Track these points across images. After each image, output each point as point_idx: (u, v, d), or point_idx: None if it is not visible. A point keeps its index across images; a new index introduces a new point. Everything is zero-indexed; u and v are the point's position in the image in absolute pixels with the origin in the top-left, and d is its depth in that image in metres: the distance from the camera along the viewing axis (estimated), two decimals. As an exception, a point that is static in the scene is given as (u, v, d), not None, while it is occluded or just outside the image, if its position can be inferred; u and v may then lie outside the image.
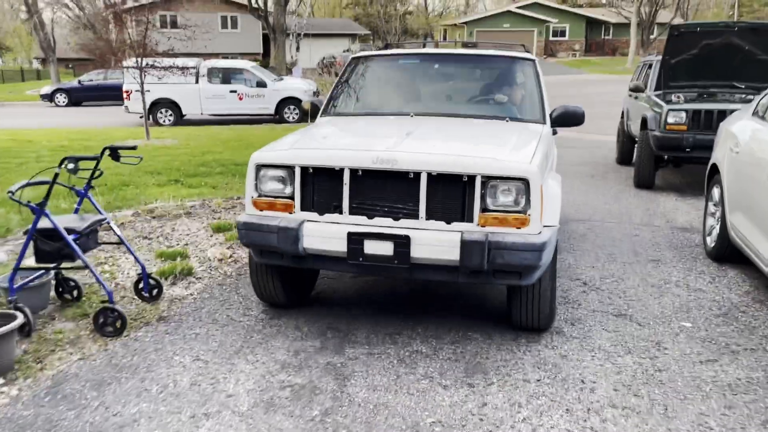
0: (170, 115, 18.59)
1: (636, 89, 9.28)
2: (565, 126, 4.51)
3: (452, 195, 3.29)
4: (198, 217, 6.65)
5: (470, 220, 3.27)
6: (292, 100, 18.78)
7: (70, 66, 41.96)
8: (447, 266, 3.30)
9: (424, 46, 6.50)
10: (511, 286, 3.56)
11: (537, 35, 52.36)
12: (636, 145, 8.64)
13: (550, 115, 4.52)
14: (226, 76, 18.82)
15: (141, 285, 4.21)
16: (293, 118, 18.76)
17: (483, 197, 3.26)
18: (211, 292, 4.50)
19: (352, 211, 3.37)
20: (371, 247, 3.28)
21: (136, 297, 4.32)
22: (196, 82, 18.47)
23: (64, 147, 12.39)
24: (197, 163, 10.19)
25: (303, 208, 3.44)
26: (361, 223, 3.35)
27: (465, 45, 6.88)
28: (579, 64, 44.83)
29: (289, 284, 3.97)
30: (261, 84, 18.68)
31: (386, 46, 5.53)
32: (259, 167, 3.54)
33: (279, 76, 22.42)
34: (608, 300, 4.39)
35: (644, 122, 8.49)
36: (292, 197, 3.46)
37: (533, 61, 4.91)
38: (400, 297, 4.46)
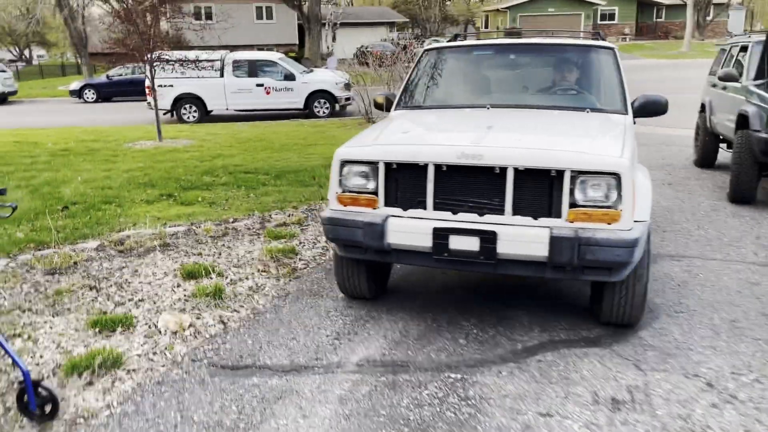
0: (194, 111, 17.40)
1: (728, 77, 7.49)
2: (647, 116, 4.33)
3: (539, 190, 3.23)
4: (175, 251, 5.25)
5: (558, 215, 3.22)
6: (322, 93, 17.38)
7: (112, 61, 41.34)
8: (534, 262, 3.25)
9: (501, 34, 6.33)
10: (597, 282, 3.51)
11: (584, 19, 49.66)
12: (732, 149, 6.86)
13: (632, 104, 4.32)
14: (253, 68, 17.51)
15: (26, 398, 2.78)
16: (323, 112, 17.36)
17: (572, 192, 3.18)
18: (139, 403, 2.98)
19: (437, 207, 3.37)
20: (457, 243, 3.28)
21: (21, 413, 2.86)
22: (221, 75, 17.23)
23: (67, 150, 11.24)
24: (202, 171, 8.85)
25: (387, 204, 3.46)
26: (446, 219, 3.34)
27: (538, 34, 6.45)
28: (630, 49, 42.09)
29: (373, 277, 4.01)
30: (289, 77, 17.32)
31: (455, 38, 5.40)
32: (344, 163, 3.54)
33: (311, 67, 21.07)
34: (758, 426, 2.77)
35: (742, 120, 6.74)
36: (375, 192, 3.47)
37: (612, 49, 4.68)
38: (472, 288, 4.41)
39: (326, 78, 18.06)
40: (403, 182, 3.42)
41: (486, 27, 57.67)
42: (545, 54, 4.92)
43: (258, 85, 17.30)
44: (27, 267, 4.87)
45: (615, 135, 3.63)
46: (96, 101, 25.61)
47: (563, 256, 3.11)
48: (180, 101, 17.24)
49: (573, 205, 3.18)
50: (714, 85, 8.63)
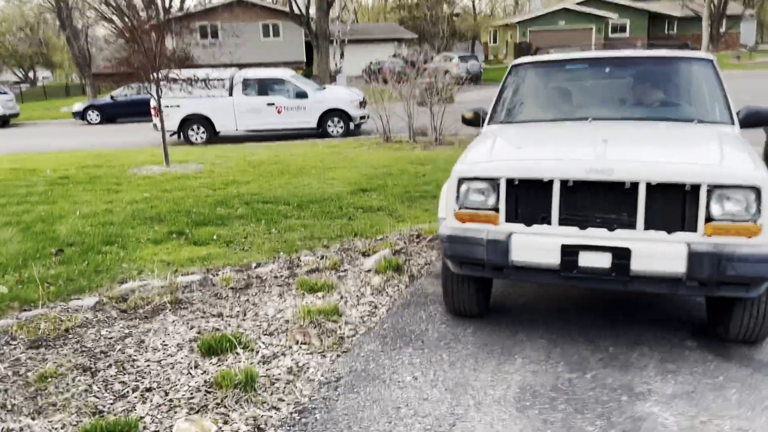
0: (202, 132, 16.55)
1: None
2: (752, 127, 4.25)
3: (672, 204, 3.17)
4: (189, 310, 4.29)
5: (693, 229, 3.13)
6: (336, 112, 16.51)
7: (116, 81, 40.65)
8: (668, 278, 3.17)
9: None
10: (721, 297, 3.37)
11: (595, 32, 48.89)
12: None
13: (737, 114, 4.22)
14: (263, 87, 16.68)
15: None
16: (338, 131, 16.48)
17: (708, 206, 3.10)
18: None
19: (562, 222, 3.31)
20: (587, 260, 3.22)
21: None
22: (230, 94, 16.39)
23: (66, 178, 10.33)
24: (215, 201, 7.91)
25: (508, 220, 3.41)
26: (573, 234, 3.28)
27: (628, 46, 5.80)
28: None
29: (483, 294, 3.96)
30: (301, 95, 16.46)
31: (536, 52, 5.32)
32: (462, 180, 3.51)
33: (322, 84, 20.25)
34: None
35: None
36: (496, 209, 3.43)
37: (711, 61, 4.58)
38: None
39: (340, 96, 17.21)
40: (525, 198, 3.37)
41: (494, 42, 56.98)
42: (641, 66, 4.80)
43: (269, 104, 16.47)
44: (7, 337, 3.91)
45: (738, 147, 3.57)
46: (100, 123, 24.82)
47: (703, 272, 3.05)
48: (187, 122, 16.41)
49: (708, 219, 3.12)
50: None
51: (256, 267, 5.24)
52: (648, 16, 50.79)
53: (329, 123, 16.55)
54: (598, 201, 3.24)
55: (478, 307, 3.96)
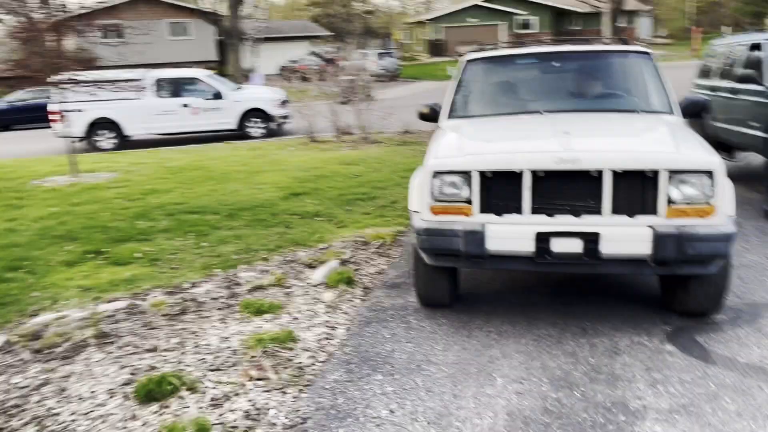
0: (112, 137, 15.45)
1: (747, 78, 6.61)
2: (692, 116, 4.53)
3: (634, 189, 3.34)
4: (117, 345, 3.73)
5: (654, 212, 3.33)
6: (256, 112, 15.81)
7: (11, 85, 37.75)
8: (635, 259, 3.36)
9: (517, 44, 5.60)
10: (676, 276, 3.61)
11: (506, 29, 50.05)
12: (731, 156, 5.93)
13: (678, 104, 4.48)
14: (177, 88, 15.75)
15: None
16: (259, 132, 15.78)
17: (668, 190, 3.30)
18: None
19: (533, 211, 3.43)
20: (559, 245, 3.37)
21: None
22: (142, 96, 15.37)
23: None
24: (134, 213, 7.21)
25: (481, 211, 3.51)
26: (545, 222, 3.41)
27: (571, 41, 6.03)
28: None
29: (452, 285, 4.05)
30: (218, 95, 15.66)
31: (481, 49, 5.33)
32: (436, 174, 3.58)
33: (238, 84, 19.45)
34: None
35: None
36: (469, 201, 3.52)
37: (649, 54, 4.85)
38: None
39: (260, 95, 16.52)
40: (497, 189, 3.48)
41: (410, 39, 57.27)
42: (586, 60, 4.98)
43: (183, 106, 15.55)
44: None
45: (689, 135, 3.84)
46: (-6, 130, 22.86)
47: (667, 252, 3.25)
48: (94, 126, 15.26)
49: (669, 202, 3.31)
50: (714, 89, 7.84)
51: (190, 288, 4.70)
52: (553, 13, 52.47)
53: (249, 124, 15.84)
54: (566, 189, 3.40)
55: (450, 297, 4.08)
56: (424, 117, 5.04)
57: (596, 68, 4.91)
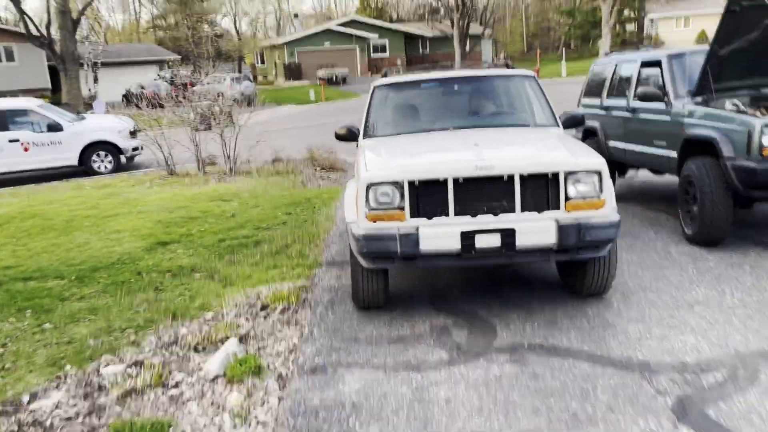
0: None
1: (649, 96, 6.37)
2: (572, 127, 5.33)
3: (539, 189, 3.88)
4: None
5: (557, 207, 3.87)
6: (102, 145, 13.90)
7: None
8: (544, 249, 3.91)
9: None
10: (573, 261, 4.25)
11: (360, 52, 50.35)
12: (693, 183, 5.63)
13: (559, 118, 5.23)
14: (2, 121, 13.46)
15: None
16: (105, 168, 13.89)
17: (566, 189, 3.86)
18: None
19: (457, 213, 3.89)
20: (481, 242, 3.84)
21: None
22: (-44, 131, 12.95)
23: None
24: (-54, 285, 5.52)
25: (412, 216, 3.92)
26: (468, 222, 3.87)
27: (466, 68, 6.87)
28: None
29: (386, 287, 4.40)
30: (55, 127, 13.58)
31: (385, 75, 5.98)
32: (370, 186, 3.94)
33: (79, 114, 17.26)
34: None
35: (700, 146, 5.62)
36: (401, 208, 3.92)
37: (534, 76, 5.67)
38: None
39: (106, 125, 14.59)
40: (425, 196, 3.90)
41: (262, 62, 55.84)
42: (481, 82, 5.67)
43: (11, 141, 13.30)
44: None
45: (577, 143, 4.59)
46: None
47: (569, 240, 3.81)
48: None
49: (567, 199, 3.86)
50: (606, 108, 7.63)
51: (29, 402, 3.34)
52: (404, 37, 53.71)
53: (94, 158, 13.89)
54: (484, 193, 3.87)
55: (384, 299, 4.43)
56: (340, 137, 5.42)
57: (491, 90, 5.66)
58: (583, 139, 7.87)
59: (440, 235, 3.82)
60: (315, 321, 4.38)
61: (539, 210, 3.86)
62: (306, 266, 5.62)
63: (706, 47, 5.99)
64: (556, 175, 3.83)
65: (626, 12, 54.03)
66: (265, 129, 22.91)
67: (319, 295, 4.91)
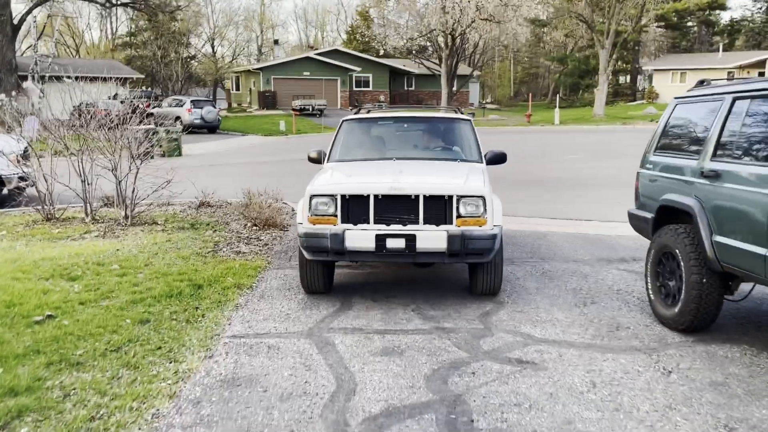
0: None
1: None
2: (494, 164, 6.59)
3: (438, 208, 5.15)
4: None
5: (450, 222, 5.13)
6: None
7: None
8: (438, 252, 5.12)
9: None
10: (474, 265, 5.49)
11: (341, 84, 47.63)
12: None
13: (485, 156, 6.60)
14: None
15: None
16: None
17: (458, 208, 5.13)
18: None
19: (376, 221, 5.16)
20: (391, 243, 5.07)
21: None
22: None
23: None
24: None
25: (342, 221, 5.20)
26: (382, 229, 5.13)
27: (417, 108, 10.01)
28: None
29: (328, 276, 5.69)
30: None
31: (358, 110, 7.54)
32: (313, 196, 5.26)
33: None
34: None
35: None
36: (335, 215, 5.22)
37: (470, 120, 7.08)
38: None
39: (-15, 146, 11.16)
40: (352, 207, 5.20)
41: (237, 89, 52.79)
42: (427, 123, 7.42)
43: None
44: None
45: (478, 176, 5.74)
46: None
47: (455, 246, 5.03)
48: None
49: (458, 216, 5.13)
50: (713, 176, 4.35)
51: None
52: (389, 71, 51.21)
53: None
54: (396, 208, 5.15)
55: (325, 286, 5.65)
56: (312, 160, 6.84)
57: (434, 129, 7.31)
58: (660, 226, 4.76)
59: (361, 236, 5.11)
60: None
61: (437, 224, 5.13)
62: None
63: None
64: (450, 198, 5.14)
65: (619, 63, 52.22)
66: (213, 162, 19.61)
67: None
